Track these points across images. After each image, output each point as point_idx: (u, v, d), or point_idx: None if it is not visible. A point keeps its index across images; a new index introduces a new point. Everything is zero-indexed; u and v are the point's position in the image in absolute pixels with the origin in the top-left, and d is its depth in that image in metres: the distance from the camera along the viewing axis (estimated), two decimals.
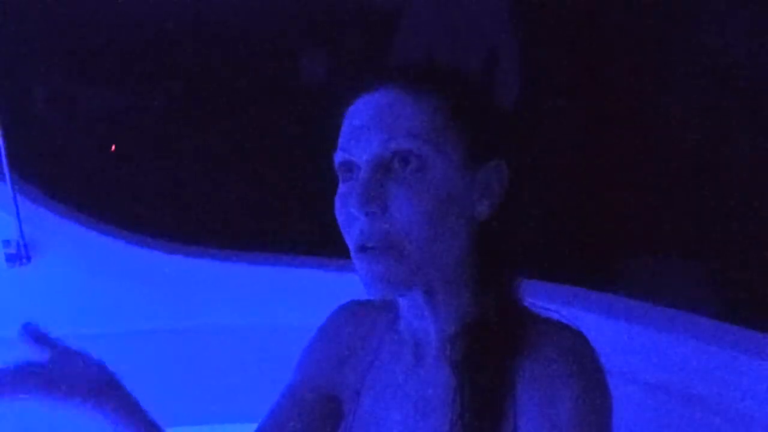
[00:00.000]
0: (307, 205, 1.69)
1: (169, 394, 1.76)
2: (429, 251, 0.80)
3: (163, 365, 1.78)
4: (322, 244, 1.72)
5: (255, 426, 0.96)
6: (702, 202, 1.37)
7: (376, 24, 1.68)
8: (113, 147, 1.88)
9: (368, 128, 0.81)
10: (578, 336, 0.82)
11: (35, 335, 0.81)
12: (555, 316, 0.85)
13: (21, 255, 1.83)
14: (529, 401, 0.78)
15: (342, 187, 0.84)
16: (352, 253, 0.82)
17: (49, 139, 1.91)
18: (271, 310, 1.74)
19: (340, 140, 0.84)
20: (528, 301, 0.86)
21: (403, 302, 0.90)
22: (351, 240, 0.82)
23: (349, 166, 0.83)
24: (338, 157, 0.84)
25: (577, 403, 0.77)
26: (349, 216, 0.81)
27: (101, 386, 0.81)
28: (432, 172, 0.80)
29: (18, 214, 1.80)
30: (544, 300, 0.86)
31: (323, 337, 1.01)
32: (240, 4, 1.70)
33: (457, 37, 1.49)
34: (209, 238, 1.89)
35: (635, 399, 1.21)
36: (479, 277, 0.85)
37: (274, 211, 1.85)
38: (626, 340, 1.26)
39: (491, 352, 0.81)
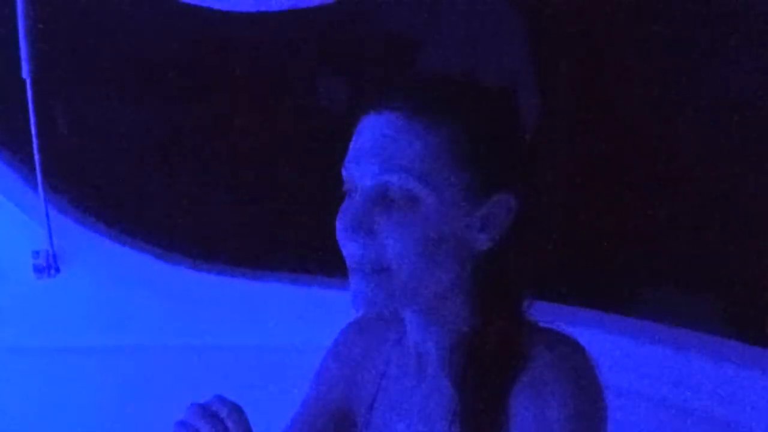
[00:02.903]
0: (324, 226, 1.69)
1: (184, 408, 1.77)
2: (417, 280, 0.80)
3: (184, 380, 1.79)
4: (338, 264, 1.72)
5: None
6: (707, 223, 1.37)
7: (395, 48, 1.70)
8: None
9: (368, 154, 0.80)
10: (573, 345, 0.82)
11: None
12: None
13: (50, 266, 1.84)
14: (522, 409, 0.78)
15: (344, 204, 0.84)
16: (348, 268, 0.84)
17: (80, 153, 1.94)
18: (296, 329, 1.73)
19: (346, 157, 0.84)
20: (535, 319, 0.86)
21: (406, 317, 0.90)
22: (345, 257, 0.84)
23: (352, 185, 0.83)
24: (343, 173, 0.84)
25: (568, 411, 0.76)
26: (343, 231, 0.82)
27: None
28: (423, 209, 0.79)
29: (49, 225, 1.82)
30: (546, 318, 0.86)
31: (335, 352, 1.02)
32: (260, 27, 1.72)
33: (475, 62, 1.49)
34: (235, 256, 1.89)
35: (638, 415, 1.21)
36: (477, 299, 0.84)
37: (297, 231, 1.86)
38: (627, 356, 1.26)
39: (488, 364, 0.81)
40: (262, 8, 1.65)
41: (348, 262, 0.83)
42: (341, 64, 1.80)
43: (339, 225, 0.83)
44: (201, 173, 1.94)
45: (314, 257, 1.79)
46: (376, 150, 0.80)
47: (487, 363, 0.81)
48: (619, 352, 1.26)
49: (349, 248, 0.82)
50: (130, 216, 1.95)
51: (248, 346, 1.78)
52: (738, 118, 1.32)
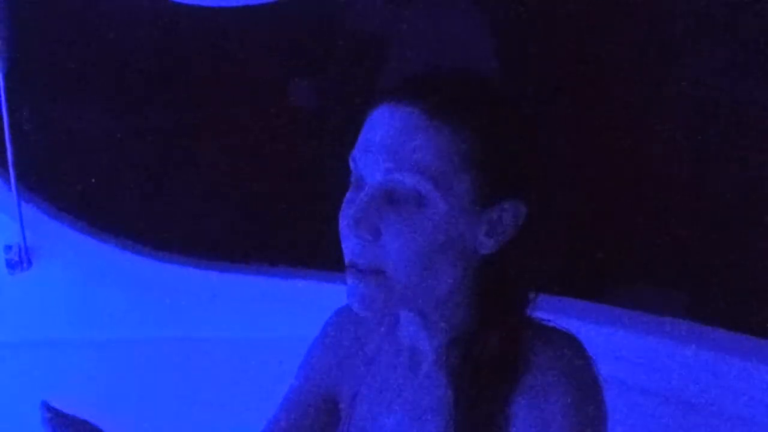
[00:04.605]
0: (306, 218, 1.71)
1: (166, 403, 1.77)
2: (417, 283, 0.79)
3: (160, 374, 1.79)
4: (321, 255, 1.74)
5: None
6: (695, 214, 1.39)
7: (368, 47, 1.71)
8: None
9: (380, 149, 0.77)
10: (573, 344, 0.81)
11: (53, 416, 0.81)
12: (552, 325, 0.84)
13: (22, 260, 1.84)
14: (522, 410, 0.78)
15: (349, 195, 0.82)
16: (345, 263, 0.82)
17: (53, 147, 1.92)
18: (272, 321, 1.74)
19: (357, 147, 0.81)
20: (529, 312, 0.85)
21: (402, 314, 0.89)
22: (344, 249, 0.81)
23: (361, 178, 0.81)
24: (352, 165, 0.81)
25: (568, 411, 0.76)
26: (346, 227, 0.80)
27: None
28: (432, 211, 0.76)
29: (21, 219, 1.81)
30: (543, 311, 0.85)
31: (323, 341, 1.01)
32: (234, 25, 1.73)
33: (449, 61, 1.50)
34: (208, 249, 1.90)
35: (632, 406, 1.21)
36: (478, 301, 0.84)
37: (274, 223, 1.87)
38: (622, 348, 1.26)
39: (487, 364, 0.80)
40: (235, 3, 1.66)
41: (345, 257, 0.80)
42: (313, 62, 1.81)
43: (343, 218, 0.80)
44: (174, 167, 1.94)
45: (293, 249, 1.81)
46: (390, 145, 0.77)
47: (486, 363, 0.80)
48: (603, 340, 1.24)
49: (350, 243, 0.79)
50: (102, 210, 1.94)
51: (223, 338, 1.78)
52: (721, 121, 1.35)
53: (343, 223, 0.80)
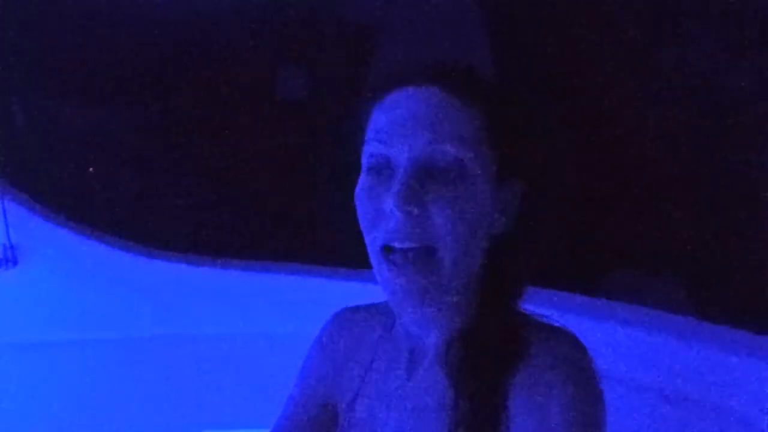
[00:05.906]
0: (300, 213, 1.70)
1: (152, 400, 1.77)
2: (459, 263, 0.79)
3: (147, 372, 1.78)
4: (314, 251, 1.73)
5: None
6: (690, 208, 1.39)
7: (356, 37, 1.70)
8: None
9: (414, 124, 0.78)
10: (573, 342, 0.81)
11: None
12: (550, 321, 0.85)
13: (8, 259, 1.82)
14: (522, 407, 0.78)
15: (368, 180, 0.81)
16: (376, 254, 0.81)
17: (37, 145, 1.91)
18: (258, 317, 1.73)
19: (376, 131, 0.81)
20: (524, 307, 0.86)
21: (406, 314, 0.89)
22: (377, 238, 0.80)
23: (384, 160, 0.80)
24: (373, 148, 0.81)
25: (568, 409, 0.76)
26: (378, 212, 0.79)
27: None
28: (471, 182, 0.78)
29: (5, 217, 1.80)
30: (539, 306, 0.86)
31: (320, 348, 1.00)
32: (220, 20, 1.72)
33: (436, 52, 1.49)
34: (196, 245, 1.89)
35: (631, 402, 1.21)
36: (482, 289, 0.84)
37: (264, 219, 1.86)
38: (618, 343, 1.26)
39: (487, 359, 0.81)
40: None
41: (385, 240, 0.79)
42: (301, 54, 1.79)
43: (370, 196, 0.80)
44: (159, 163, 1.93)
45: (284, 245, 1.80)
46: (425, 119, 0.78)
47: (485, 357, 0.81)
48: (599, 336, 1.24)
49: (392, 223, 0.78)
50: (87, 207, 1.92)
51: (212, 334, 1.78)
52: (721, 113, 1.35)
53: (369, 209, 0.80)
